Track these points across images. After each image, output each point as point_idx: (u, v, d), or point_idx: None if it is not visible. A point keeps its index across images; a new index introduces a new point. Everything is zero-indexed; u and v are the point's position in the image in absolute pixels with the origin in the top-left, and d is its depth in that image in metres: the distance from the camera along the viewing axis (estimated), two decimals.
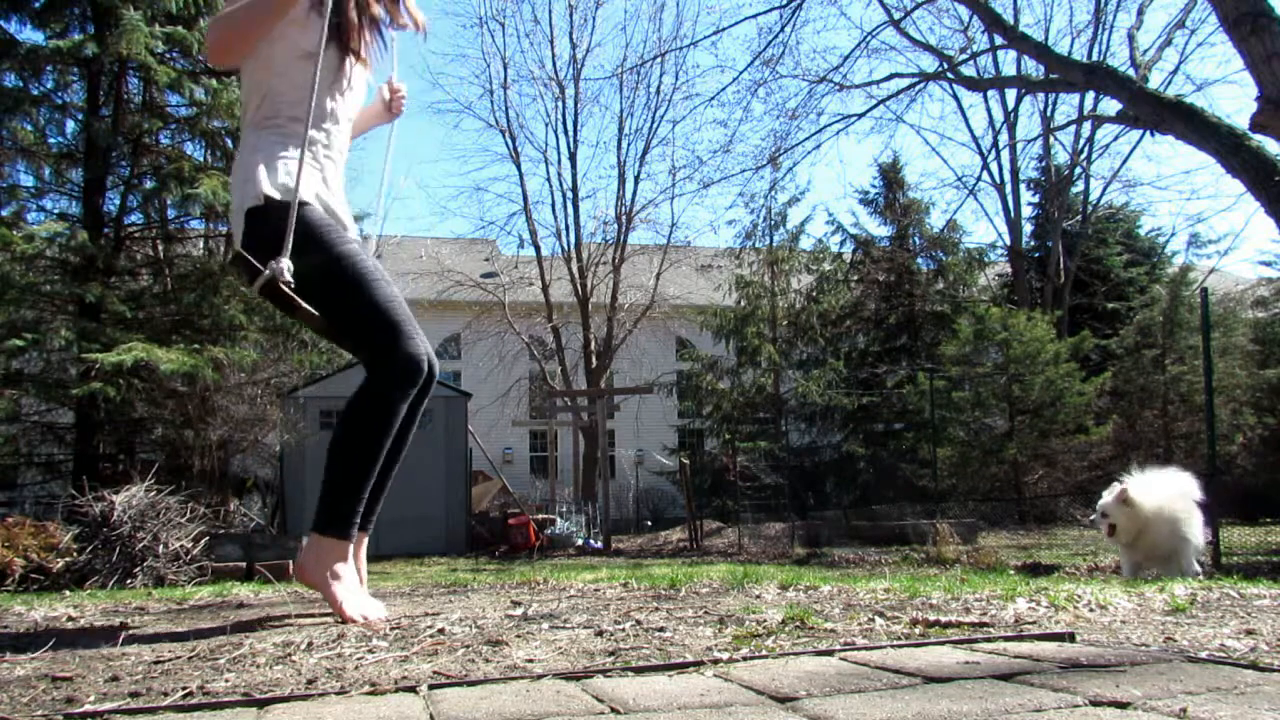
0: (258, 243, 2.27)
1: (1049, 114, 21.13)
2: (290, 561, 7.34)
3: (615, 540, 14.02)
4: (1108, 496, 5.14)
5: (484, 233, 22.93)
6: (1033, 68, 15.51)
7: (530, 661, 1.67)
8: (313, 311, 2.27)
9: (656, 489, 21.51)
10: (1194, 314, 14.14)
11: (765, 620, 2.07)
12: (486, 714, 1.30)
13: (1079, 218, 21.75)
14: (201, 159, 11.63)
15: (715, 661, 1.63)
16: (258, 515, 11.12)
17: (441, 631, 2.02)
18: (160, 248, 12.19)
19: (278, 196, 2.28)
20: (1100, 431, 14.83)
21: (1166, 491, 5.05)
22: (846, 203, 56.16)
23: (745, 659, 1.66)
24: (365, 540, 2.57)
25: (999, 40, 15.69)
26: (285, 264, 2.20)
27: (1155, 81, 13.25)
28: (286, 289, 2.20)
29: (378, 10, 2.63)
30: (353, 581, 2.42)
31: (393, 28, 2.76)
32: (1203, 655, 1.68)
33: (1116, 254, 22.30)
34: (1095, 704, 1.31)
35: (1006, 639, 1.86)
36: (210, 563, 6.80)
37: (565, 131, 21.50)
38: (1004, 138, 21.12)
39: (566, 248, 21.28)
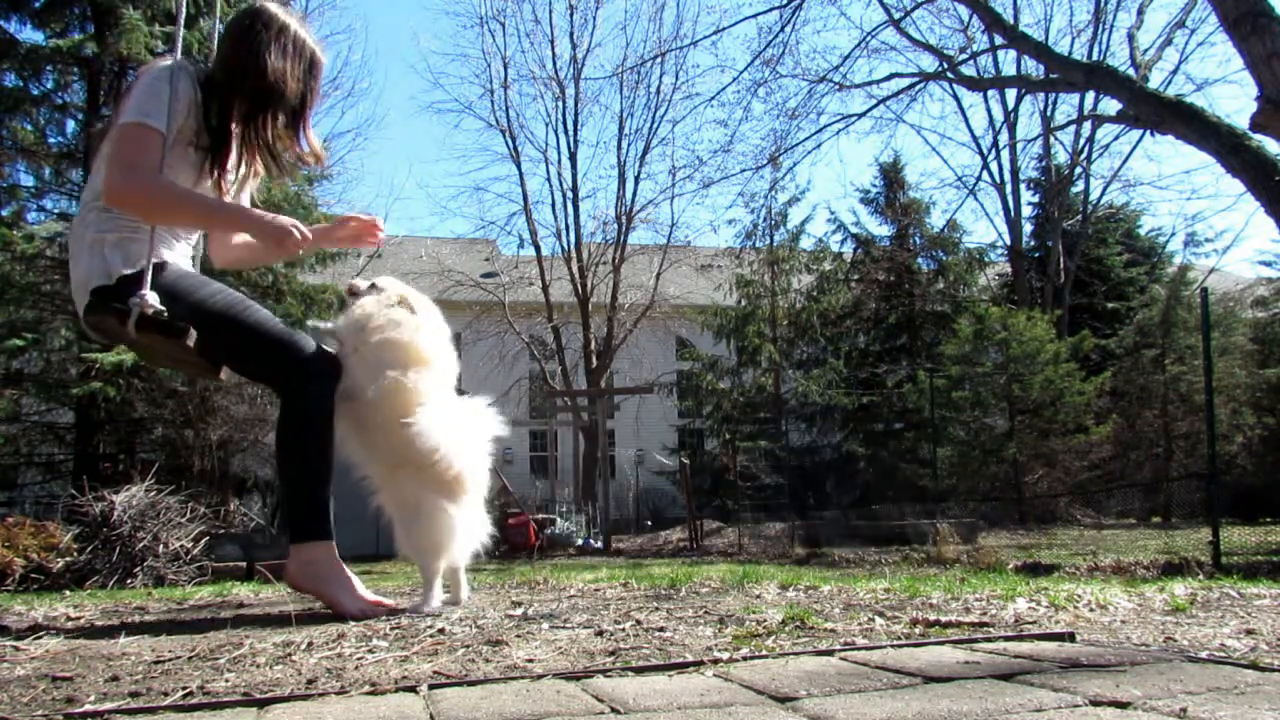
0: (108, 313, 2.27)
1: (1049, 114, 21.13)
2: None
3: (615, 540, 14.01)
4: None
5: (484, 233, 22.93)
6: (1033, 67, 15.52)
7: (530, 661, 1.67)
8: (190, 329, 2.24)
9: (656, 489, 21.51)
10: (1193, 314, 14.14)
11: (765, 620, 2.07)
12: (486, 714, 1.30)
13: (1079, 218, 21.75)
14: None
15: (715, 661, 1.63)
16: (258, 515, 11.11)
17: (441, 631, 2.02)
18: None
19: (129, 273, 2.29)
20: (1100, 431, 14.83)
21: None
22: (847, 202, 56.28)
23: (745, 659, 1.66)
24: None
25: (999, 40, 15.69)
26: (149, 294, 2.20)
27: (1155, 81, 13.26)
28: (159, 316, 2.20)
29: (275, 146, 2.53)
30: (345, 578, 2.45)
31: (292, 161, 2.67)
32: (1203, 655, 1.68)
33: (1116, 254, 22.31)
34: (1095, 704, 1.31)
35: (1006, 639, 1.86)
36: (210, 563, 6.80)
37: (565, 131, 21.51)
38: (1004, 137, 21.12)
39: (566, 248, 21.28)
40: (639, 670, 1.58)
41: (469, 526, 2.63)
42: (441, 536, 2.50)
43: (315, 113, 2.59)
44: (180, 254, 2.54)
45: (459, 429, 2.53)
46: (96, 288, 2.30)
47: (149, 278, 2.24)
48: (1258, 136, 7.48)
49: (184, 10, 2.85)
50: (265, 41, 2.39)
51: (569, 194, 21.36)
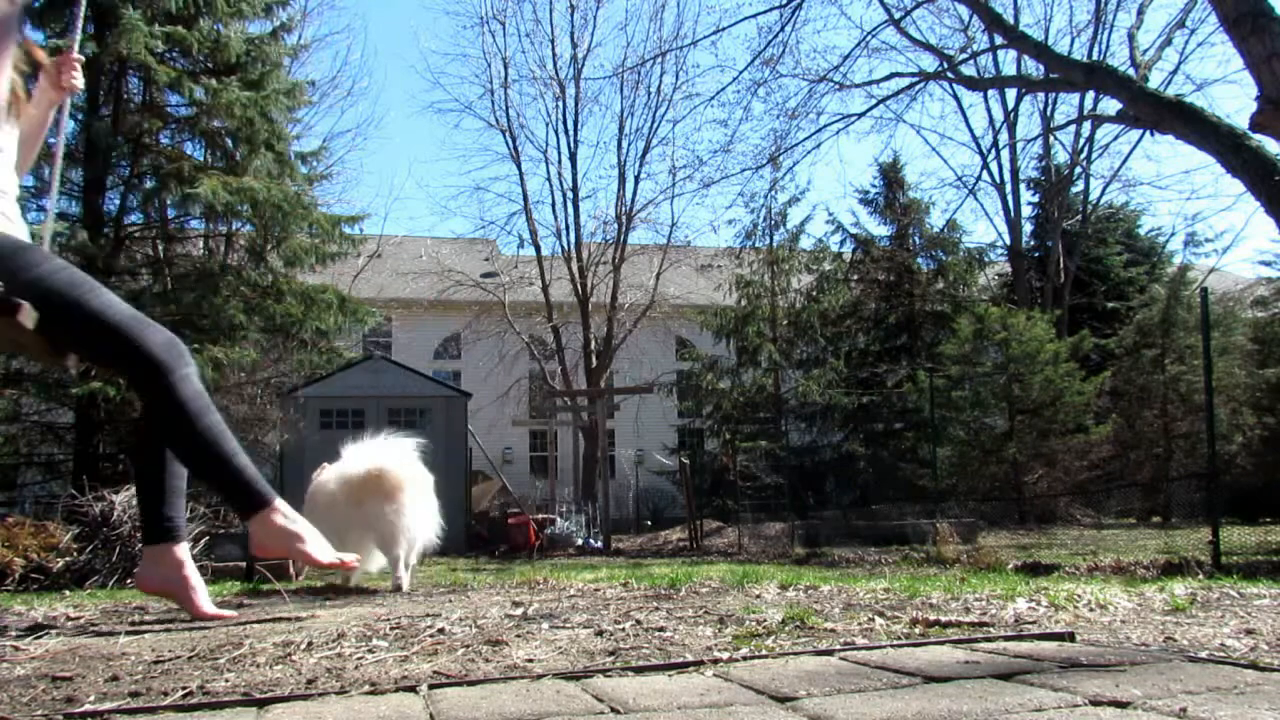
0: None
1: (1049, 114, 21.13)
2: (290, 562, 7.34)
3: (615, 540, 14.01)
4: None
5: (484, 232, 22.92)
6: (1033, 67, 15.51)
7: (530, 661, 1.67)
8: (22, 305, 2.10)
9: (656, 489, 21.51)
10: (1193, 314, 14.13)
11: (765, 620, 2.07)
12: (486, 714, 1.30)
13: (1079, 217, 21.75)
14: (201, 159, 11.63)
15: (715, 661, 1.63)
16: None
17: (441, 631, 2.02)
18: (160, 247, 12.18)
19: None
20: (1100, 431, 14.82)
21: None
22: (847, 202, 56.24)
23: (745, 659, 1.66)
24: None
25: (999, 40, 15.69)
26: None
27: (1155, 81, 13.25)
28: None
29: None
30: (307, 529, 2.42)
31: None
32: (1203, 655, 1.68)
33: (1116, 254, 22.30)
34: (1095, 703, 1.31)
35: (1006, 639, 1.86)
36: (210, 563, 6.79)
37: (565, 131, 21.51)
38: (1004, 137, 21.12)
39: (566, 247, 21.27)
40: (639, 670, 1.58)
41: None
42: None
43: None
44: (14, 216, 2.40)
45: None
46: None
47: None
48: (1258, 136, 7.47)
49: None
50: None
51: (569, 194, 21.38)
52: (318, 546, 2.39)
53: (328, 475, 3.92)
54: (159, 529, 2.44)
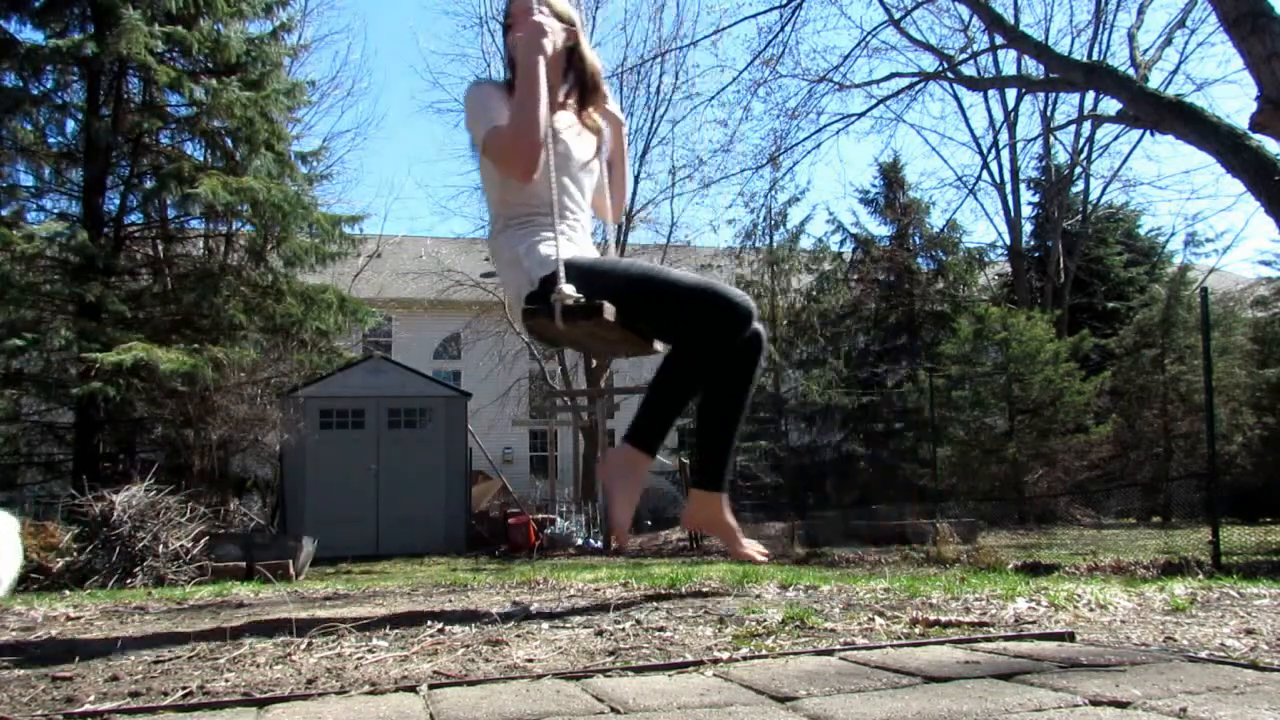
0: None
1: (1049, 114, 21.11)
2: (290, 561, 7.34)
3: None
4: None
5: (484, 232, 22.90)
6: (1033, 67, 15.51)
7: (530, 661, 1.67)
8: (604, 305, 2.33)
9: (656, 489, 21.48)
10: (1193, 314, 14.12)
11: (765, 620, 2.07)
12: (486, 714, 1.30)
13: (1079, 217, 21.74)
14: (201, 159, 11.64)
15: (715, 661, 1.63)
16: (258, 515, 11.12)
17: (441, 631, 2.02)
18: (160, 247, 12.19)
19: (546, 274, 2.44)
20: (1100, 431, 14.82)
21: None
22: (846, 202, 56.14)
23: (745, 658, 1.66)
24: None
25: (999, 40, 15.67)
26: (563, 286, 2.33)
27: (1155, 81, 13.24)
28: (576, 303, 2.32)
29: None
30: (736, 527, 2.76)
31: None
32: (1203, 655, 1.68)
33: (1116, 254, 22.29)
34: (1095, 703, 1.30)
35: (1006, 638, 1.86)
36: (210, 562, 6.80)
37: None
38: (1004, 137, 21.10)
39: None
40: (639, 670, 1.58)
41: None
42: None
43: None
44: (585, 244, 2.65)
45: None
46: (527, 295, 2.46)
47: (563, 273, 2.36)
48: (1258, 136, 7.47)
49: None
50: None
51: None
52: (744, 541, 2.75)
53: None
54: (709, 477, 2.70)
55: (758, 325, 2.44)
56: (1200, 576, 4.66)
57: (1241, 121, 7.62)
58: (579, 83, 2.68)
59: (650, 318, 2.48)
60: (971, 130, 28.52)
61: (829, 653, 1.70)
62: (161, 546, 6.36)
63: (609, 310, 2.32)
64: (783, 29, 13.18)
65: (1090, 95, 16.91)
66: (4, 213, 10.86)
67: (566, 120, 2.63)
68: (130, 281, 11.38)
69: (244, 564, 7.07)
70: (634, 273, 2.51)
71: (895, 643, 1.79)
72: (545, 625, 2.09)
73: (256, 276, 11.54)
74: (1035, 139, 21.18)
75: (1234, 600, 2.47)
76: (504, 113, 2.43)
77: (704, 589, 2.86)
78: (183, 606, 2.99)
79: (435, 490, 13.33)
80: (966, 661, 1.62)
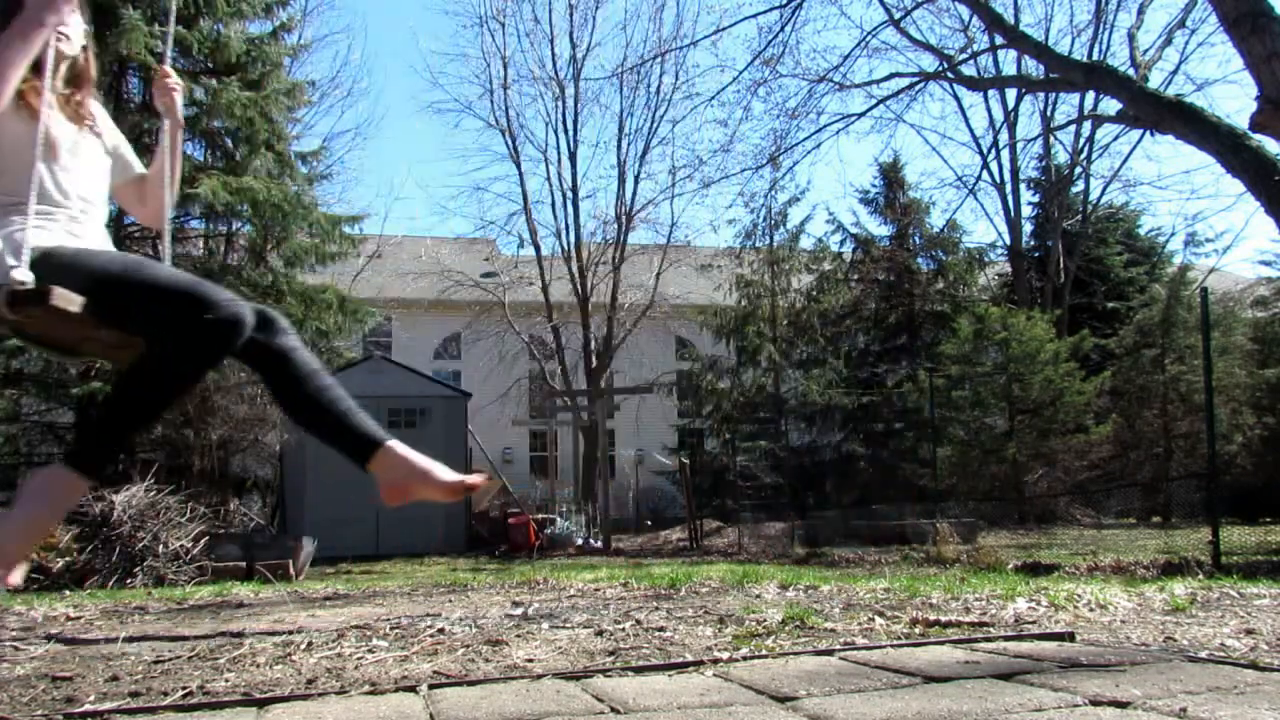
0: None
1: (1049, 114, 21.10)
2: (290, 561, 7.34)
3: (615, 540, 14.00)
4: None
5: (484, 232, 22.90)
6: (1033, 67, 15.50)
7: (530, 661, 1.67)
8: (55, 289, 2.09)
9: (656, 489, 21.49)
10: (1193, 314, 14.12)
11: (765, 620, 2.07)
12: (486, 713, 1.30)
13: (1079, 217, 21.73)
14: (201, 159, 11.63)
15: (715, 661, 1.63)
16: (258, 515, 11.11)
17: (441, 631, 2.02)
18: (160, 247, 12.16)
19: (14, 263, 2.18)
20: (1100, 431, 14.81)
21: None
22: (847, 202, 56.13)
23: (745, 658, 1.66)
24: None
25: (999, 40, 15.66)
26: (16, 272, 2.08)
27: (1155, 81, 13.22)
28: (25, 288, 2.07)
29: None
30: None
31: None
32: (1203, 655, 1.68)
33: (1116, 254, 22.29)
34: (1095, 703, 1.30)
35: (1006, 639, 1.85)
36: (210, 562, 6.79)
37: (565, 131, 21.47)
38: (1004, 137, 21.09)
39: (566, 247, 21.26)
40: (639, 670, 1.58)
41: None
42: None
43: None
44: (91, 238, 2.42)
45: None
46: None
47: (26, 258, 2.12)
48: (1258, 136, 7.47)
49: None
50: None
51: (569, 194, 21.35)
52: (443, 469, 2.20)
53: None
54: (364, 444, 2.29)
55: (251, 328, 2.16)
56: (1200, 576, 4.66)
57: (1241, 121, 7.62)
58: (72, 68, 2.47)
59: (129, 315, 2.25)
60: (971, 130, 28.54)
61: (829, 653, 1.70)
62: (161, 546, 6.36)
63: (60, 295, 2.08)
64: (783, 29, 13.18)
65: (1090, 95, 16.91)
66: None
67: (53, 103, 2.37)
68: None
69: (244, 564, 7.06)
70: (115, 266, 2.27)
71: (895, 643, 1.79)
72: (545, 625, 2.09)
73: (256, 276, 11.53)
74: (1035, 139, 21.19)
75: (1234, 600, 2.47)
76: None
77: (704, 589, 2.86)
78: (183, 606, 2.98)
79: None
80: (966, 661, 1.62)
